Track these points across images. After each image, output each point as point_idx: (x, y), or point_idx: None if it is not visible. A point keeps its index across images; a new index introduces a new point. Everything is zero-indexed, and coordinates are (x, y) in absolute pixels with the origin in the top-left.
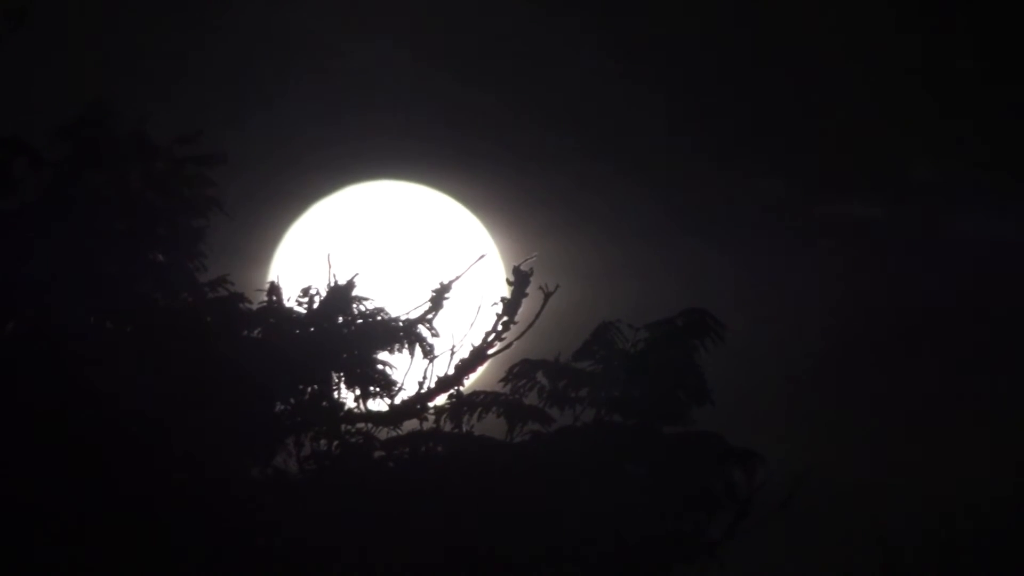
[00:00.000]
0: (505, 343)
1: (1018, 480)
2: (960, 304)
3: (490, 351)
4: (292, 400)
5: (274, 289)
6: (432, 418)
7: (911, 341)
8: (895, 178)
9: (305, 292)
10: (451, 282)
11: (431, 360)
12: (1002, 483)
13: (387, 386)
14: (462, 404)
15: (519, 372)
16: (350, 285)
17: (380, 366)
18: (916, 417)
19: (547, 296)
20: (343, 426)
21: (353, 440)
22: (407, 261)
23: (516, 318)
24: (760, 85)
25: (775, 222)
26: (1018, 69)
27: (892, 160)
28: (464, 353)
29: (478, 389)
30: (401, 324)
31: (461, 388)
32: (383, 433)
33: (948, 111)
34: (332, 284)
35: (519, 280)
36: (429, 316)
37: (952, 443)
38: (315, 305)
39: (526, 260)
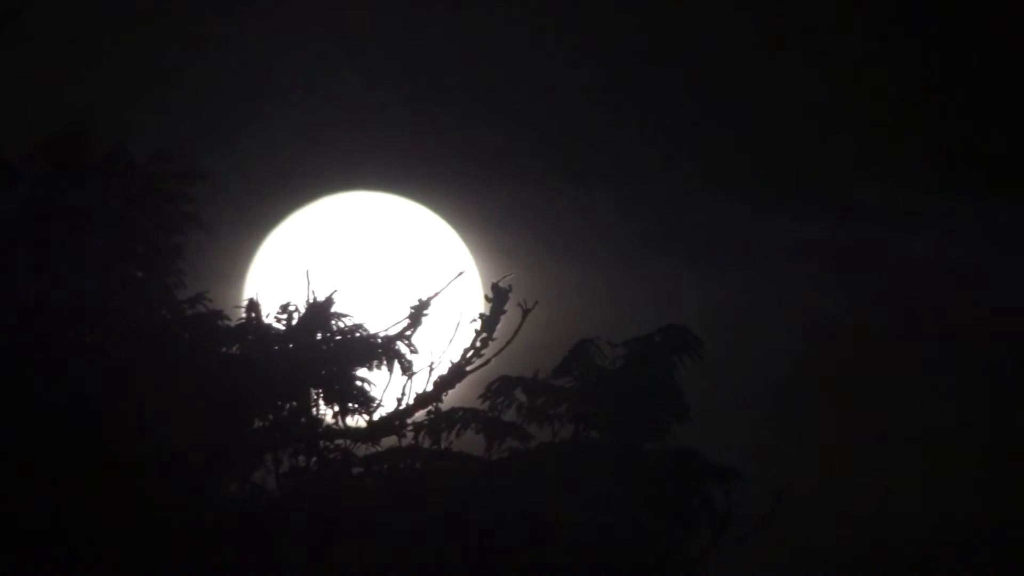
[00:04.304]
0: (483, 360)
1: (985, 492)
2: (911, 321)
3: (469, 368)
4: (270, 416)
5: (253, 306)
6: (411, 434)
7: (877, 358)
8: (846, 201)
9: (284, 309)
10: (430, 299)
11: (410, 376)
12: (969, 497)
13: (366, 402)
14: (440, 421)
15: (498, 389)
16: (329, 302)
17: (359, 382)
18: (890, 434)
19: (525, 313)
20: (321, 442)
21: (331, 456)
22: (385, 274)
23: (495, 335)
24: (723, 110)
25: (746, 243)
26: (964, 93)
27: (842, 184)
28: (443, 370)
29: (456, 406)
30: (380, 340)
31: (440, 404)
32: (362, 449)
33: (895, 136)
34: (311, 300)
35: (498, 297)
36: (408, 332)
37: (923, 458)
38: (294, 322)
39: (505, 277)
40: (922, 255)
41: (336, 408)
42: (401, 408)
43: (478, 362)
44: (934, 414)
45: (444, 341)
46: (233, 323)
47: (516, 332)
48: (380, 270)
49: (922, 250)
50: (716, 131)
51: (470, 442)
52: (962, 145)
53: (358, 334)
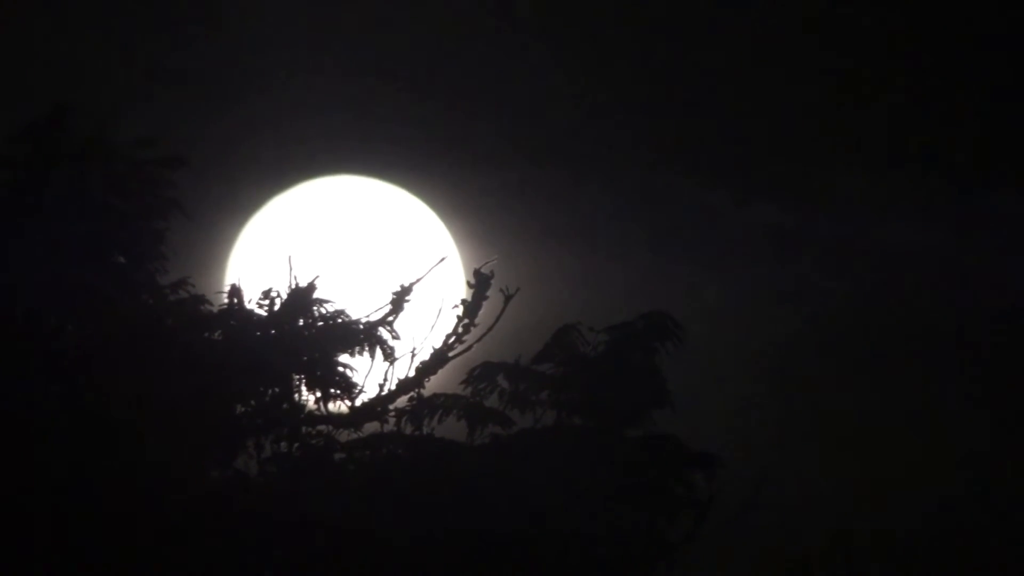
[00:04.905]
0: (466, 345)
1: (967, 479)
2: (886, 310)
3: (451, 353)
4: (253, 402)
5: (235, 291)
6: (393, 420)
7: (858, 347)
8: (826, 189)
9: (266, 294)
10: (412, 284)
11: (392, 362)
12: (953, 483)
13: (348, 388)
14: (423, 406)
15: (480, 375)
16: (311, 287)
17: (341, 368)
18: (870, 421)
19: (508, 299)
20: (304, 428)
21: (314, 442)
22: (367, 260)
23: (476, 320)
24: (704, 98)
25: (725, 230)
26: (942, 78)
27: (822, 172)
28: (425, 355)
29: (439, 391)
30: (362, 326)
31: (422, 390)
32: (344, 435)
33: (870, 120)
34: (293, 286)
35: (480, 282)
36: (390, 318)
37: (902, 445)
38: (276, 307)
39: (487, 263)
40: (903, 243)
41: (318, 394)
42: (383, 394)
43: (460, 348)
44: (915, 401)
45: (426, 327)
46: (215, 309)
47: (498, 318)
48: (362, 255)
49: (903, 238)
50: (696, 118)
51: (452, 428)
52: (941, 133)
53: (340, 320)
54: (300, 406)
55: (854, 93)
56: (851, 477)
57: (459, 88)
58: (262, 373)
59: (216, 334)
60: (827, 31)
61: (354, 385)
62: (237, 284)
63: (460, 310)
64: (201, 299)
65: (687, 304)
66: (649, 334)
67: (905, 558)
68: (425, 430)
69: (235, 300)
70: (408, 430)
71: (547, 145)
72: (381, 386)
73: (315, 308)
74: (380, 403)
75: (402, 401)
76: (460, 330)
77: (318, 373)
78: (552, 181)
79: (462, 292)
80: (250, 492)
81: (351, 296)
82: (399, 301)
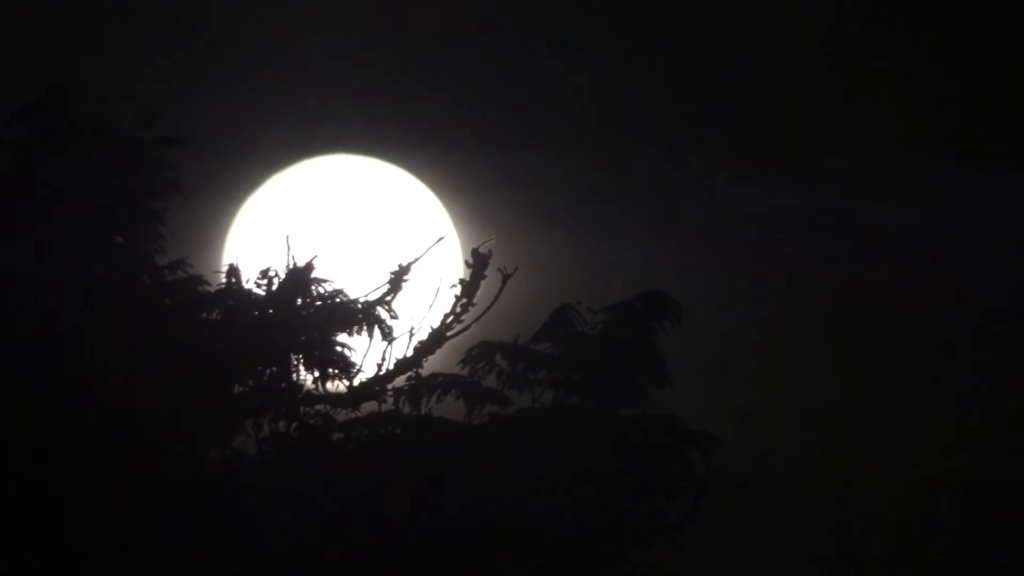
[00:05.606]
0: (464, 325)
1: (960, 458)
2: (878, 291)
3: (449, 333)
4: (251, 382)
5: (233, 271)
6: (391, 400)
7: (849, 327)
8: (814, 168)
9: (264, 274)
10: (410, 264)
11: (390, 342)
12: (944, 461)
13: (346, 368)
14: (421, 386)
15: (478, 354)
16: (309, 267)
17: (339, 348)
18: (865, 401)
19: (506, 278)
20: (302, 408)
21: (312, 422)
22: (365, 239)
23: (475, 300)
24: (695, 79)
25: (718, 210)
26: (935, 61)
27: (811, 151)
28: (423, 335)
29: (437, 371)
30: (360, 306)
31: (420, 370)
32: (342, 415)
33: (864, 101)
34: (291, 266)
35: (478, 262)
36: (388, 298)
37: (898, 425)
38: (274, 287)
39: (484, 242)
40: (895, 224)
41: (316, 373)
42: (381, 373)
43: (458, 327)
44: (907, 380)
45: (424, 306)
46: (213, 289)
47: (496, 298)
48: (360, 235)
49: (895, 219)
50: (689, 100)
51: (450, 408)
52: (937, 113)
53: (338, 299)
54: (298, 386)
55: (849, 75)
56: (848, 456)
57: (459, 69)
58: (260, 353)
59: (214, 314)
60: (821, 13)
61: (352, 365)
62: (235, 264)
63: (458, 290)
64: (199, 279)
65: (684, 283)
66: (647, 313)
67: (902, 532)
68: (423, 410)
69: (233, 280)
70: (406, 409)
71: (545, 127)
72: (379, 366)
73: (313, 288)
74: (378, 382)
75: (400, 381)
76: (458, 310)
77: (316, 353)
78: (549, 162)
79: (460, 272)
80: (248, 471)
81: (349, 276)
82: (397, 281)
